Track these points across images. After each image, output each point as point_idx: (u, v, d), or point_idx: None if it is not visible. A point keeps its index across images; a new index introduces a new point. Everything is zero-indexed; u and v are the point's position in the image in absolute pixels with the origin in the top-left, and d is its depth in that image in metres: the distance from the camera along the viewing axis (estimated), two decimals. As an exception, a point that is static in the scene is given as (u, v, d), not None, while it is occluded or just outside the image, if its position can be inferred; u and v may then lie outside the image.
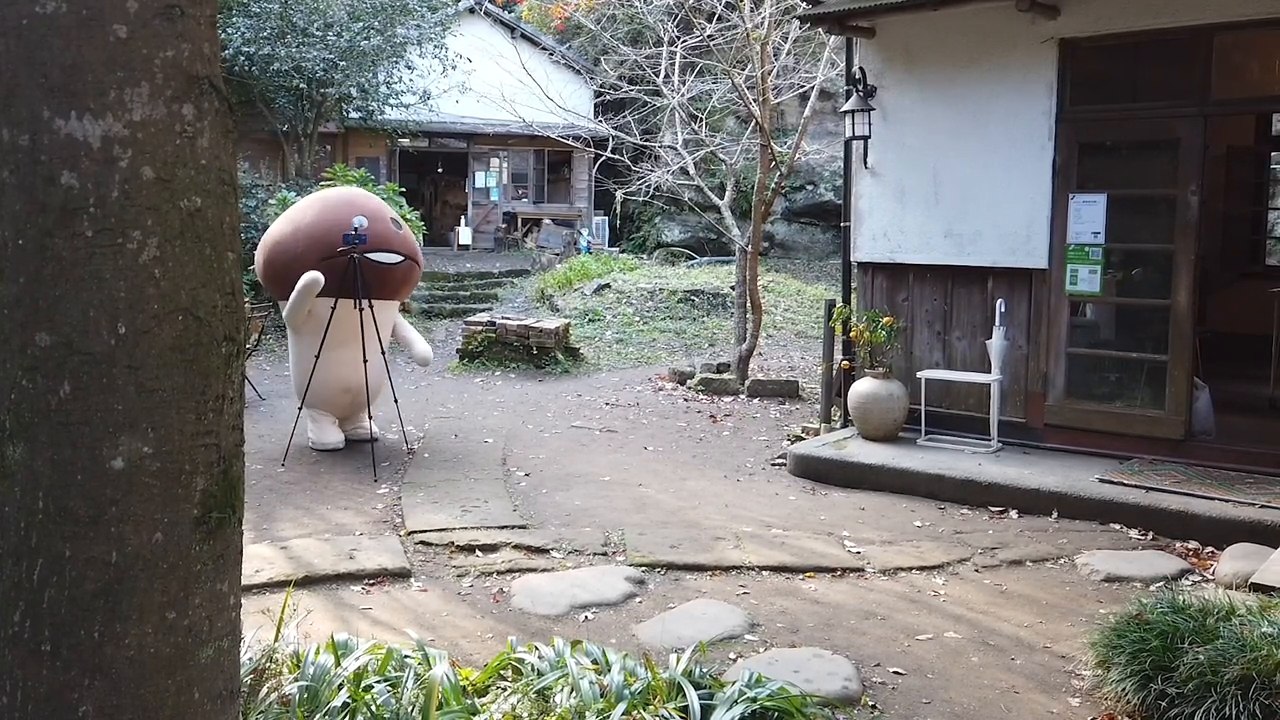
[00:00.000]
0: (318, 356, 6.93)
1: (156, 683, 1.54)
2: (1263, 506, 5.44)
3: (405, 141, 19.99)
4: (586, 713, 3.05)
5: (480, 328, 11.23)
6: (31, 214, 1.49)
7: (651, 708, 3.14)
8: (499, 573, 4.95)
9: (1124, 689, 3.49)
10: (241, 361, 1.65)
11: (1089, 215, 6.67)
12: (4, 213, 1.50)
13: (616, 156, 11.81)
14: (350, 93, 15.87)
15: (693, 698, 3.18)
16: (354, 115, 17.34)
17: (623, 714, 3.06)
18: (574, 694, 3.17)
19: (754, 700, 3.23)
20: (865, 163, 7.53)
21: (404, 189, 14.34)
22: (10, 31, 1.47)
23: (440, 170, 23.29)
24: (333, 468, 6.87)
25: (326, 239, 6.90)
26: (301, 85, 15.08)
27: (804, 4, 7.70)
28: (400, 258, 7.18)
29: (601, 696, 3.18)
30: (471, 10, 20.48)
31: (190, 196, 1.54)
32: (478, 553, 5.20)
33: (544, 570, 4.99)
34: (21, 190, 1.49)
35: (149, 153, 1.50)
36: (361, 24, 15.09)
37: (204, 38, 1.55)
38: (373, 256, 6.95)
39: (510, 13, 20.93)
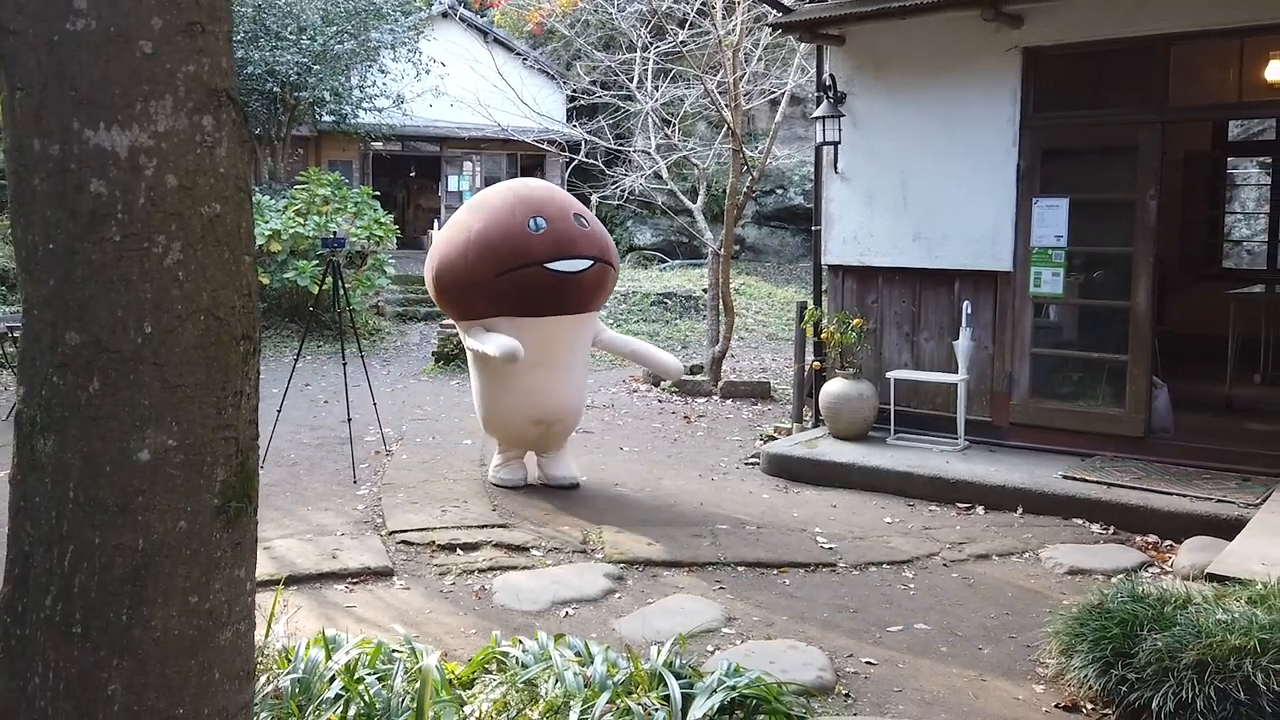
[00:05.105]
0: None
1: (180, 663, 1.62)
2: (1218, 501, 5.63)
3: (378, 145, 19.98)
4: (573, 701, 3.15)
5: (456, 331, 11.28)
6: (62, 220, 1.57)
7: (634, 696, 3.24)
8: (480, 571, 5.03)
9: (1086, 675, 3.60)
10: (257, 359, 1.74)
11: (1052, 219, 6.85)
12: (35, 218, 1.59)
13: (590, 161, 11.91)
14: (323, 96, 15.87)
15: (674, 687, 3.27)
16: (327, 119, 17.33)
17: (607, 702, 3.16)
18: (559, 685, 3.26)
19: (733, 689, 3.33)
20: (835, 168, 7.68)
21: (377, 193, 14.36)
22: (42, 47, 1.55)
23: (413, 174, 23.27)
24: (312, 470, 6.92)
25: (502, 248, 5.86)
26: (275, 89, 15.07)
27: (774, 12, 7.84)
28: (588, 262, 5.98)
29: (585, 687, 3.28)
30: (445, 15, 20.51)
31: (210, 203, 1.63)
32: (459, 551, 5.27)
33: (524, 568, 5.08)
34: (52, 197, 1.57)
35: (172, 162, 1.59)
36: (335, 28, 15.09)
37: (222, 52, 1.64)
38: (553, 266, 5.85)
39: (483, 17, 20.98)
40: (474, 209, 6.22)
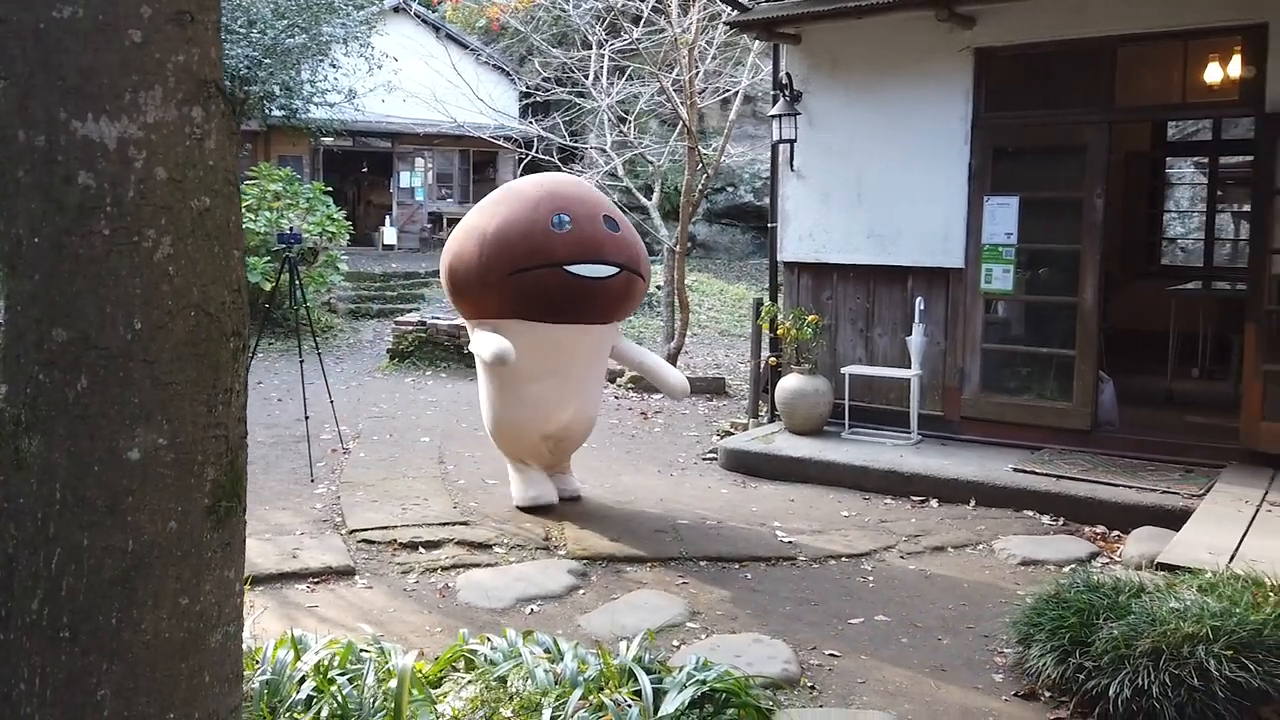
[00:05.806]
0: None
1: (171, 666, 1.59)
2: (1164, 492, 5.80)
3: (329, 140, 19.69)
4: (546, 698, 3.15)
5: (411, 327, 11.19)
6: (48, 213, 1.53)
7: (606, 692, 3.25)
8: (443, 569, 4.99)
9: (1044, 664, 3.67)
10: (246, 356, 1.71)
11: (1002, 217, 7.00)
12: (19, 211, 1.54)
13: (544, 157, 11.88)
14: (273, 91, 15.59)
15: (645, 682, 3.28)
16: (277, 113, 17.01)
17: (579, 699, 3.17)
18: (530, 682, 3.26)
19: (703, 683, 3.35)
20: (791, 165, 7.75)
21: (328, 189, 14.15)
22: (28, 35, 1.51)
23: (364, 170, 22.99)
24: (268, 469, 6.80)
25: (519, 245, 5.35)
26: (224, 82, 14.75)
27: (730, 10, 7.89)
28: (614, 269, 5.46)
29: (556, 684, 3.28)
30: (397, 9, 20.27)
31: (200, 196, 1.59)
32: (421, 550, 5.23)
33: (488, 565, 5.05)
34: (37, 190, 1.53)
35: (162, 154, 1.55)
36: (286, 21, 14.83)
37: (211, 42, 1.61)
38: (575, 270, 5.34)
39: (434, 12, 20.77)
40: (498, 200, 5.72)
